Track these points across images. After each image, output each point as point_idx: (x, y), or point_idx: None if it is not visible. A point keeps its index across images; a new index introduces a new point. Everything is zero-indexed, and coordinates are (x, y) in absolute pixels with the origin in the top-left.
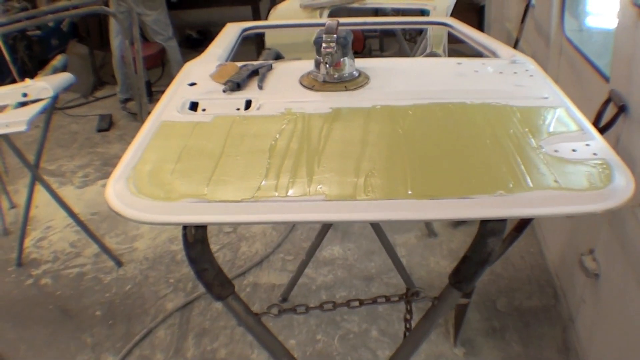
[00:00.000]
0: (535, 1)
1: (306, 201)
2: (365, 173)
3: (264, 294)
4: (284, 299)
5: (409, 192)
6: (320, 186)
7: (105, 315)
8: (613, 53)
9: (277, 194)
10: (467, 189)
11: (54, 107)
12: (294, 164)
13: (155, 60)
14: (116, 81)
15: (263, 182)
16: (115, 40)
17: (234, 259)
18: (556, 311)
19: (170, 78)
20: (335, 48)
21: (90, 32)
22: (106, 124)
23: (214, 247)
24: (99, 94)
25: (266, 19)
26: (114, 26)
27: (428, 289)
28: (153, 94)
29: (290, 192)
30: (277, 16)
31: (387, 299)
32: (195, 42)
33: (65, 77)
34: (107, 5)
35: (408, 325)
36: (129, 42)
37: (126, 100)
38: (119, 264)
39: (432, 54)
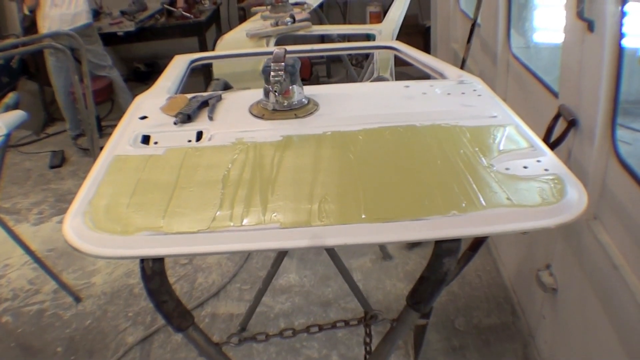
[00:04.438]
0: (481, 20)
1: (261, 230)
2: (318, 199)
3: (223, 324)
4: (243, 329)
5: (363, 216)
6: (274, 214)
7: (66, 352)
8: (561, 68)
9: (232, 224)
10: (421, 210)
11: (7, 145)
12: (247, 193)
13: (104, 95)
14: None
15: (218, 213)
16: (59, 79)
17: (191, 291)
18: (516, 328)
19: (120, 112)
20: (283, 76)
21: (40, 68)
22: (58, 160)
23: (170, 280)
24: (50, 130)
25: (213, 49)
26: (54, 66)
27: (386, 312)
28: (103, 128)
29: (245, 222)
30: (224, 46)
31: (346, 323)
32: (143, 74)
33: (17, 115)
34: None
35: (368, 349)
36: (78, 78)
37: (77, 136)
38: (78, 299)
39: (380, 78)
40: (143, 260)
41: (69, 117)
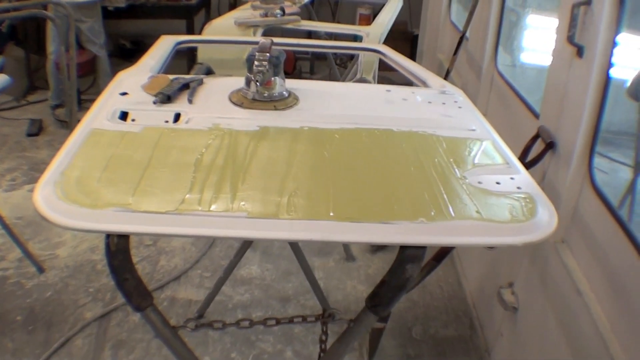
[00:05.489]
0: (470, 34)
1: (228, 217)
2: (288, 192)
3: (181, 309)
4: (200, 316)
5: (331, 214)
6: (243, 203)
7: (25, 321)
8: (545, 90)
9: (200, 208)
10: (389, 214)
11: None
12: (218, 180)
13: (87, 68)
14: (49, 86)
15: (187, 195)
16: (52, 46)
17: (153, 272)
18: (472, 342)
19: (98, 88)
20: (267, 67)
21: (28, 35)
22: (36, 129)
23: (134, 259)
24: (31, 98)
25: (200, 33)
26: (51, 31)
27: (344, 313)
28: (82, 102)
29: (213, 207)
30: (211, 32)
31: (304, 319)
32: (128, 52)
33: (1, 79)
34: (46, 9)
35: (323, 346)
36: (64, 48)
37: (56, 107)
38: (41, 270)
39: (362, 80)
40: (109, 236)
41: (53, 86)
